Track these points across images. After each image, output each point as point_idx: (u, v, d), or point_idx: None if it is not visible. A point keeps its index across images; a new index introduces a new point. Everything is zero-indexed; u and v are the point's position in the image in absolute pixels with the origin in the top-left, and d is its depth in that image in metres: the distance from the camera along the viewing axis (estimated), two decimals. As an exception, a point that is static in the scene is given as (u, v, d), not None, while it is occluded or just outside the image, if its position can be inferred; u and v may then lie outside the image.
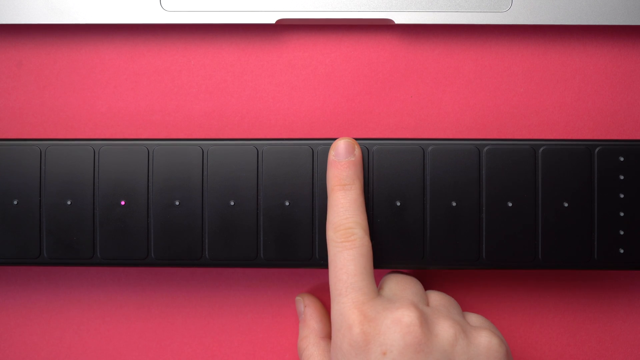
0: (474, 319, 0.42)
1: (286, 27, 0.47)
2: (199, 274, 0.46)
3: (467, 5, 0.45)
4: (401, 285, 0.42)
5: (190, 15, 0.45)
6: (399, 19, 0.45)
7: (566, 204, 0.43)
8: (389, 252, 0.43)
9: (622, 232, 0.43)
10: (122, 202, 0.43)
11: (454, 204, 0.43)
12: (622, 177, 0.43)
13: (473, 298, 0.47)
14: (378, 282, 0.45)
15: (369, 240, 0.41)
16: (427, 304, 0.41)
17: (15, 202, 0.43)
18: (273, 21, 0.45)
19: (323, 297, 0.47)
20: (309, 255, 0.43)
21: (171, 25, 0.47)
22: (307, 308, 0.45)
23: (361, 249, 0.41)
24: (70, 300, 0.47)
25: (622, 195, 0.43)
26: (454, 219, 0.43)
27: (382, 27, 0.47)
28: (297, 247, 0.43)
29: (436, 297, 0.42)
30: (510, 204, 0.43)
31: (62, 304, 0.47)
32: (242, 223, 0.43)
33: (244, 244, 0.43)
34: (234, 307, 0.47)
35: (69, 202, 0.43)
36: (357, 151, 0.42)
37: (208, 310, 0.47)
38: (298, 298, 0.46)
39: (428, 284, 0.47)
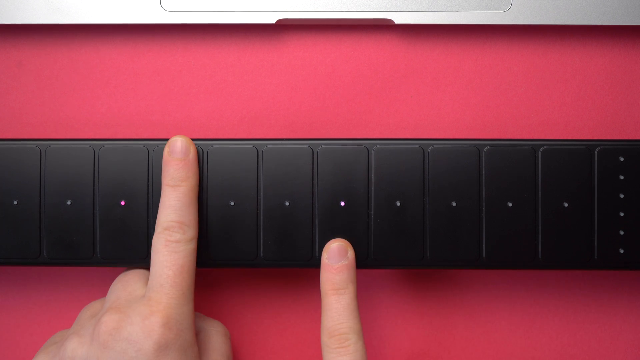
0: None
1: (286, 27, 0.47)
2: (198, 274, 0.46)
3: (467, 5, 0.45)
4: None
5: (190, 15, 0.45)
6: (399, 19, 0.45)
7: (566, 204, 0.43)
8: (389, 252, 0.43)
9: (622, 232, 0.43)
10: (122, 202, 0.43)
11: (454, 204, 0.43)
12: (622, 177, 0.43)
13: (473, 298, 0.47)
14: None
15: (363, 345, 0.41)
16: None
17: (15, 202, 0.43)
18: (273, 21, 0.45)
19: (323, 297, 0.47)
20: (309, 255, 0.43)
21: (171, 25, 0.47)
22: None
23: (355, 355, 0.41)
24: (70, 300, 0.47)
25: (622, 196, 0.43)
26: (454, 219, 0.43)
27: (382, 27, 0.47)
28: (297, 247, 0.43)
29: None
30: (510, 204, 0.43)
31: (62, 304, 0.47)
32: (242, 223, 0.43)
33: (244, 244, 0.43)
34: (233, 307, 0.47)
35: (69, 202, 0.43)
36: (350, 253, 0.42)
37: (208, 310, 0.47)
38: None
39: (428, 284, 0.47)
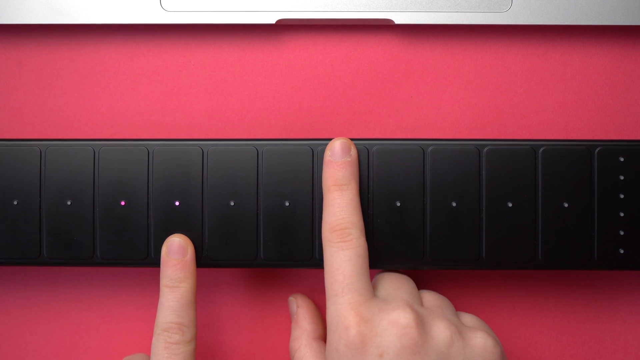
0: (468, 319, 0.42)
1: (286, 27, 0.47)
2: (199, 274, 0.46)
3: (467, 5, 0.45)
4: (395, 285, 0.42)
5: (190, 15, 0.45)
6: (399, 19, 0.45)
7: (566, 204, 0.43)
8: (389, 252, 0.43)
9: (622, 232, 0.43)
10: (122, 202, 0.43)
11: (454, 204, 0.43)
12: (622, 177, 0.43)
13: (473, 298, 0.47)
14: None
15: (365, 241, 0.41)
16: (421, 304, 0.41)
17: (15, 202, 0.43)
18: (273, 21, 0.45)
19: (322, 298, 0.47)
20: (309, 255, 0.43)
21: (171, 25, 0.47)
22: (300, 309, 0.45)
23: (357, 250, 0.41)
24: (70, 300, 0.47)
25: (622, 196, 0.43)
26: (454, 219, 0.43)
27: (382, 27, 0.47)
28: (297, 247, 0.43)
29: (430, 297, 0.42)
30: (510, 204, 0.43)
31: (62, 304, 0.47)
32: (242, 223, 0.43)
33: (244, 244, 0.43)
34: (233, 307, 0.47)
35: (69, 202, 0.43)
36: (353, 151, 0.42)
37: (208, 310, 0.47)
38: (291, 298, 0.46)
39: (428, 284, 0.47)
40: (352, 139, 0.43)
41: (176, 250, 0.42)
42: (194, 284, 0.42)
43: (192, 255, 0.42)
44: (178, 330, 0.41)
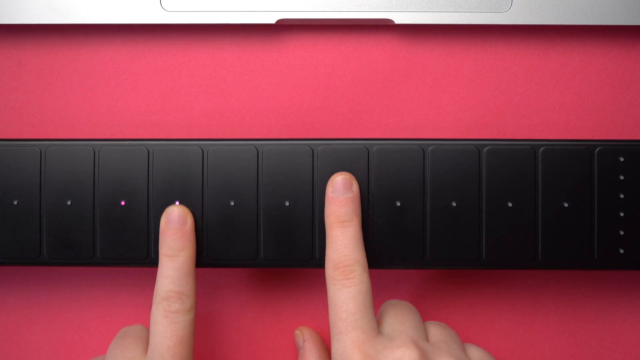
0: (475, 353, 0.41)
1: (286, 27, 0.47)
2: (199, 274, 0.46)
3: (467, 5, 0.45)
4: (400, 319, 0.41)
5: (190, 15, 0.45)
6: (399, 19, 0.45)
7: (566, 204, 0.43)
8: (389, 252, 0.43)
9: (622, 232, 0.43)
10: (122, 202, 0.43)
11: (454, 204, 0.43)
12: (622, 177, 0.43)
13: (473, 298, 0.47)
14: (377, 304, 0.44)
15: (368, 277, 0.41)
16: (427, 338, 0.41)
17: (15, 202, 0.43)
18: (273, 21, 0.45)
19: (322, 298, 0.47)
20: (309, 255, 0.43)
21: (171, 25, 0.47)
22: (306, 343, 0.45)
23: (360, 287, 0.40)
24: (70, 300, 0.47)
25: (622, 196, 0.43)
26: (454, 219, 0.43)
27: (382, 27, 0.47)
28: (297, 247, 0.43)
29: (436, 332, 0.41)
30: (510, 204, 0.43)
31: (62, 304, 0.47)
32: (242, 223, 0.43)
33: (244, 244, 0.43)
34: (234, 307, 0.47)
35: (69, 202, 0.43)
36: (355, 187, 0.42)
37: (208, 310, 0.47)
38: (297, 332, 0.45)
39: (428, 284, 0.47)
40: (352, 139, 0.43)
41: (175, 220, 0.42)
42: (193, 253, 0.42)
43: (192, 225, 0.42)
44: (177, 299, 0.41)
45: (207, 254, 0.43)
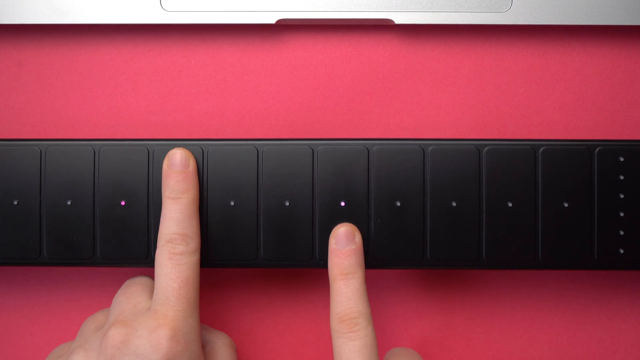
0: None
1: (286, 27, 0.47)
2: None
3: (467, 5, 0.45)
4: None
5: (190, 15, 0.45)
6: (399, 19, 0.45)
7: (566, 204, 0.43)
8: (389, 252, 0.43)
9: (622, 232, 0.43)
10: (122, 202, 0.43)
11: (454, 204, 0.43)
12: (622, 177, 0.43)
13: (473, 298, 0.47)
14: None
15: (373, 330, 0.41)
16: None
17: (15, 202, 0.43)
18: (273, 21, 0.45)
19: (322, 298, 0.47)
20: (309, 255, 0.43)
21: (171, 25, 0.47)
22: None
23: (365, 340, 0.40)
24: (70, 300, 0.47)
25: (622, 196, 0.43)
26: (454, 219, 0.43)
27: (382, 27, 0.47)
28: (297, 247, 0.43)
29: None
30: (510, 204, 0.43)
31: (62, 304, 0.47)
32: (242, 223, 0.43)
33: (244, 244, 0.43)
34: (233, 307, 0.47)
35: (69, 202, 0.43)
36: (358, 238, 0.42)
37: (208, 310, 0.47)
38: None
39: (428, 284, 0.47)
40: (352, 139, 0.43)
41: (178, 162, 0.42)
42: (197, 195, 0.42)
43: (194, 167, 0.42)
44: (182, 240, 0.41)
45: (207, 254, 0.43)
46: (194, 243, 0.41)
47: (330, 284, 0.42)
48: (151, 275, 0.46)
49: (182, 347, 0.39)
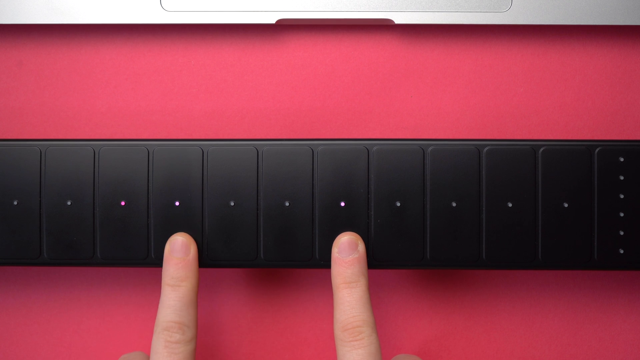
0: None
1: (286, 27, 0.47)
2: (199, 274, 0.46)
3: (467, 5, 0.45)
4: None
5: (191, 15, 0.45)
6: (399, 19, 0.45)
7: (566, 204, 0.43)
8: (389, 252, 0.43)
9: (622, 233, 0.43)
10: (122, 203, 0.43)
11: (454, 204, 0.43)
12: (622, 178, 0.43)
13: (473, 298, 0.47)
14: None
15: (377, 338, 0.41)
16: None
17: (15, 202, 0.43)
18: (273, 21, 0.45)
19: (322, 298, 0.47)
20: (309, 255, 0.43)
21: (171, 25, 0.47)
22: None
23: (370, 348, 0.40)
24: (70, 300, 0.47)
25: (622, 196, 0.43)
26: (454, 219, 0.43)
27: (382, 27, 0.47)
28: (297, 247, 0.43)
29: None
30: (510, 204, 0.43)
31: (62, 304, 0.47)
32: (242, 223, 0.43)
33: (244, 244, 0.43)
34: (233, 307, 0.47)
35: (69, 203, 0.43)
36: (361, 247, 0.42)
37: (208, 310, 0.47)
38: None
39: (428, 284, 0.47)
40: (352, 139, 0.43)
41: (179, 249, 0.42)
42: (196, 283, 0.42)
43: (195, 255, 0.42)
44: (178, 329, 0.41)
45: (207, 254, 0.43)
46: (190, 332, 0.41)
47: (334, 293, 0.42)
48: (150, 279, 0.46)
49: None
